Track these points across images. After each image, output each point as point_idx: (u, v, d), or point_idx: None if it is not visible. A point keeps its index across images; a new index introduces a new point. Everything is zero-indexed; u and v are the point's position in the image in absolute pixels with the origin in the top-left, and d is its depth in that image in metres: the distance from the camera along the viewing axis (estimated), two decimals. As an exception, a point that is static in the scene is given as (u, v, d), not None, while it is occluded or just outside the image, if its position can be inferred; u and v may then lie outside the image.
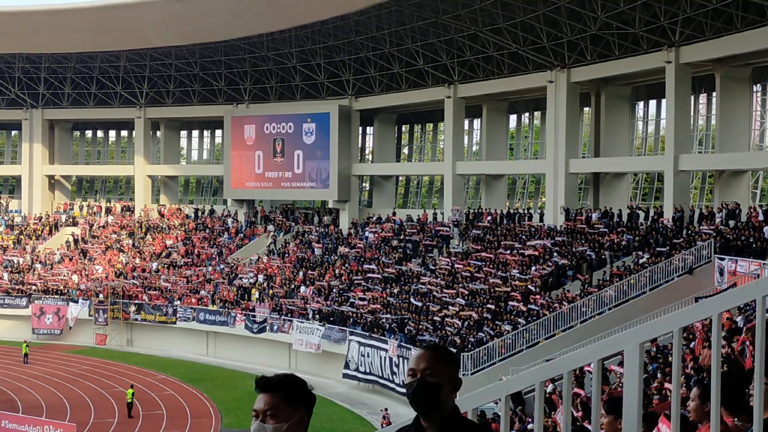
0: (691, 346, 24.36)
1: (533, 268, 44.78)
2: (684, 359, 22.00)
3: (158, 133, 75.49)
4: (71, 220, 74.40)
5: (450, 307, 45.45)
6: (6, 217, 75.83)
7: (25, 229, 74.01)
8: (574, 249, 44.88)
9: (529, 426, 25.36)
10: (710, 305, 3.93)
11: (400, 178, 68.23)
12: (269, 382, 3.64)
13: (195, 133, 77.96)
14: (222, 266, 62.64)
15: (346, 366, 49.26)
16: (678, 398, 4.10)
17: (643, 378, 4.09)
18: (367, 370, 48.02)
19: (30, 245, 72.03)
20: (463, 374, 38.39)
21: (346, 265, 56.45)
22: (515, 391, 4.39)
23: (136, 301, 61.81)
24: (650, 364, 25.38)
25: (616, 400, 6.10)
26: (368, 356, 47.85)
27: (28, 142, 75.12)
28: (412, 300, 48.21)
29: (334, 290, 54.18)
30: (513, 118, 61.21)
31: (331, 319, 51.67)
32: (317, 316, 52.57)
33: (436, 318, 45.35)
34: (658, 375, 23.91)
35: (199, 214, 70.99)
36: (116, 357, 58.61)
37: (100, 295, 62.59)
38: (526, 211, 53.87)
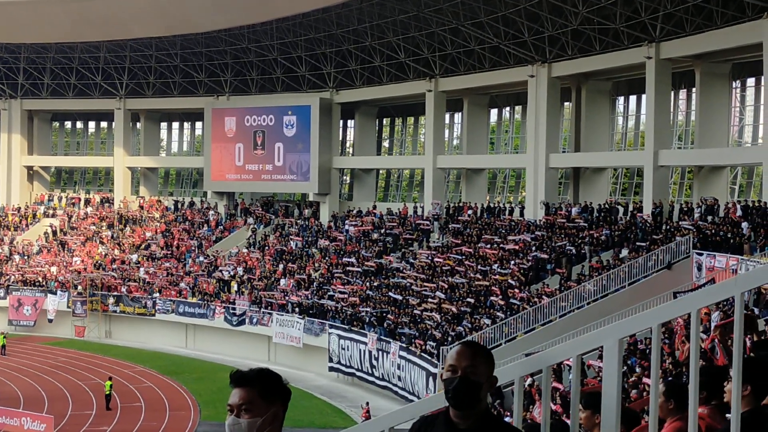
0: (669, 341, 24.51)
1: (513, 262, 44.86)
2: (662, 353, 22.11)
3: (138, 125, 75.15)
4: (50, 211, 74.02)
5: (429, 301, 45.49)
6: (-16, 208, 75.37)
7: (3, 220, 73.56)
8: (553, 243, 45.00)
9: (507, 419, 25.45)
10: (689, 301, 3.95)
11: (381, 172, 68.19)
12: (244, 376, 3.63)
13: (175, 124, 77.64)
14: (201, 258, 62.47)
15: (330, 359, 49.29)
16: (657, 393, 4.12)
17: (622, 373, 4.11)
18: (347, 363, 48.09)
19: (8, 236, 71.60)
20: (442, 368, 38.40)
21: (326, 258, 56.42)
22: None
23: (115, 293, 61.60)
24: (628, 359, 25.51)
25: (593, 395, 6.14)
26: (348, 349, 47.88)
27: (6, 133, 74.59)
28: (391, 294, 48.20)
29: (314, 283, 54.15)
30: (494, 112, 61.29)
31: (311, 312, 51.64)
32: (297, 309, 52.53)
33: (415, 311, 45.39)
34: (637, 369, 24.04)
35: (179, 206, 70.75)
36: (95, 349, 58.41)
37: (79, 287, 62.31)
38: (506, 206, 53.98)
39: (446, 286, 45.74)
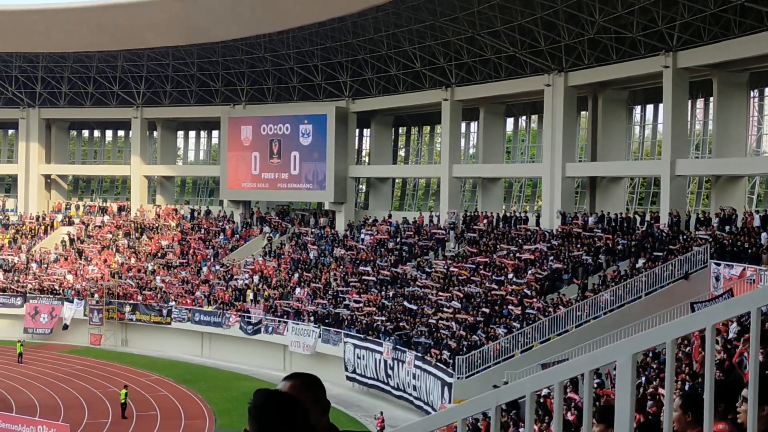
0: (687, 350, 24.35)
1: (529, 271, 44.71)
2: (680, 362, 21.96)
3: (155, 134, 75.40)
4: (67, 219, 74.32)
5: (445, 310, 45.38)
6: (2, 216, 75.71)
7: (20, 228, 73.90)
8: (570, 253, 44.83)
9: (522, 431, 25.32)
10: (704, 316, 3.88)
11: (397, 181, 68.20)
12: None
13: (192, 133, 77.93)
14: (217, 267, 62.56)
15: (346, 368, 49.18)
16: (671, 408, 4.06)
17: (635, 388, 4.04)
18: (362, 373, 47.99)
19: (26, 244, 71.92)
20: (458, 378, 38.35)
21: (342, 267, 56.38)
22: (506, 401, 4.34)
23: (131, 302, 61.73)
24: (645, 369, 25.32)
25: (607, 408, 6.06)
26: (363, 359, 47.80)
27: (24, 141, 75.04)
28: (406, 303, 48.10)
29: (330, 292, 54.12)
30: (510, 121, 61.20)
31: (326, 321, 51.61)
32: (312, 318, 52.51)
33: (431, 321, 45.29)
34: (656, 380, 23.84)
35: (195, 214, 70.92)
36: (111, 357, 58.53)
37: (95, 295, 62.50)
38: (522, 215, 53.84)
39: (462, 296, 45.63)
